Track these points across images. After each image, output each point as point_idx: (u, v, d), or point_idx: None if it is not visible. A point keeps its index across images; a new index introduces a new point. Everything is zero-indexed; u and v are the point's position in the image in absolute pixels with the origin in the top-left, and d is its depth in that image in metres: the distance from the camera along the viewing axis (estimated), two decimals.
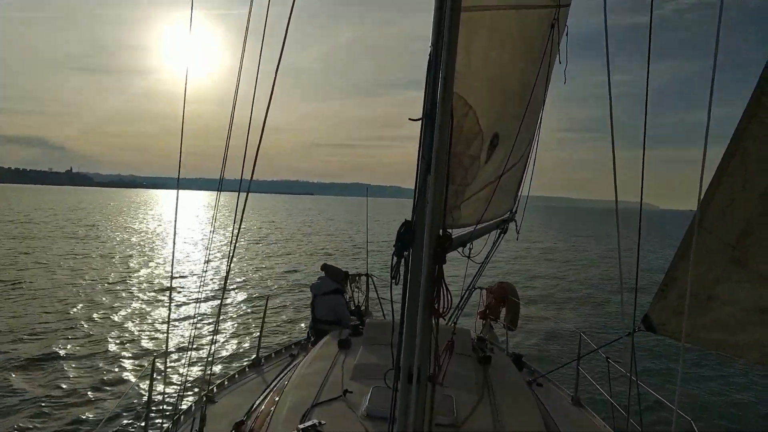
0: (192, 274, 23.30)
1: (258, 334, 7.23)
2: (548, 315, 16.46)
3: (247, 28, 3.44)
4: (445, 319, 2.59)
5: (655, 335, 2.93)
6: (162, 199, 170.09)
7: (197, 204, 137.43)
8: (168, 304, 16.31)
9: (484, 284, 7.59)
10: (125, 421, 8.10)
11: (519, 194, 4.71)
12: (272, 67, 3.11)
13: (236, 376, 5.80)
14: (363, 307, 8.25)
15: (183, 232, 47.14)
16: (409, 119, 2.25)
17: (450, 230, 2.39)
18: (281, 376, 5.21)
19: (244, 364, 6.54)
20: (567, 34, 3.69)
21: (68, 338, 12.50)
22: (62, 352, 11.39)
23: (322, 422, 3.23)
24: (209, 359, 9.01)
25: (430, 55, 2.21)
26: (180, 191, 4.32)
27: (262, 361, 6.30)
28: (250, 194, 3.32)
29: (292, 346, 6.90)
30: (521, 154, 4.05)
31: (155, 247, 34.01)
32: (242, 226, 3.30)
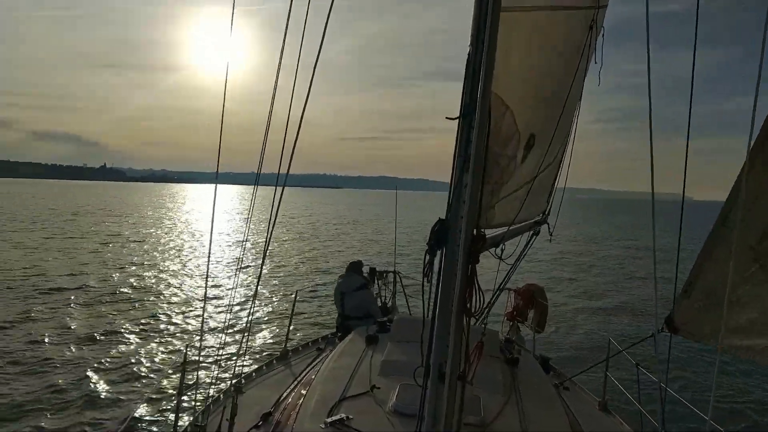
0: (228, 266, 23.77)
1: (286, 326, 7.30)
2: (578, 318, 16.19)
3: (287, 25, 3.44)
4: (476, 319, 2.58)
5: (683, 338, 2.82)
6: (195, 193, 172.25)
7: (229, 197, 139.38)
8: (203, 296, 16.62)
9: (512, 285, 7.51)
10: (157, 409, 8.26)
11: (552, 195, 4.65)
12: (301, 62, 3.15)
13: (264, 368, 5.85)
14: (390, 304, 8.27)
15: (219, 224, 47.95)
16: (447, 118, 2.24)
17: (483, 230, 2.38)
18: (308, 369, 5.24)
19: (271, 356, 6.60)
20: (604, 35, 3.62)
21: (102, 326, 12.82)
22: (97, 338, 11.71)
23: (350, 416, 3.26)
24: (239, 351, 9.11)
25: (469, 54, 2.19)
26: (212, 185, 4.44)
27: (290, 354, 6.35)
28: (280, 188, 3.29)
29: (319, 340, 6.95)
30: (555, 154, 4.00)
31: (191, 240, 34.71)
32: (276, 221, 3.32)
